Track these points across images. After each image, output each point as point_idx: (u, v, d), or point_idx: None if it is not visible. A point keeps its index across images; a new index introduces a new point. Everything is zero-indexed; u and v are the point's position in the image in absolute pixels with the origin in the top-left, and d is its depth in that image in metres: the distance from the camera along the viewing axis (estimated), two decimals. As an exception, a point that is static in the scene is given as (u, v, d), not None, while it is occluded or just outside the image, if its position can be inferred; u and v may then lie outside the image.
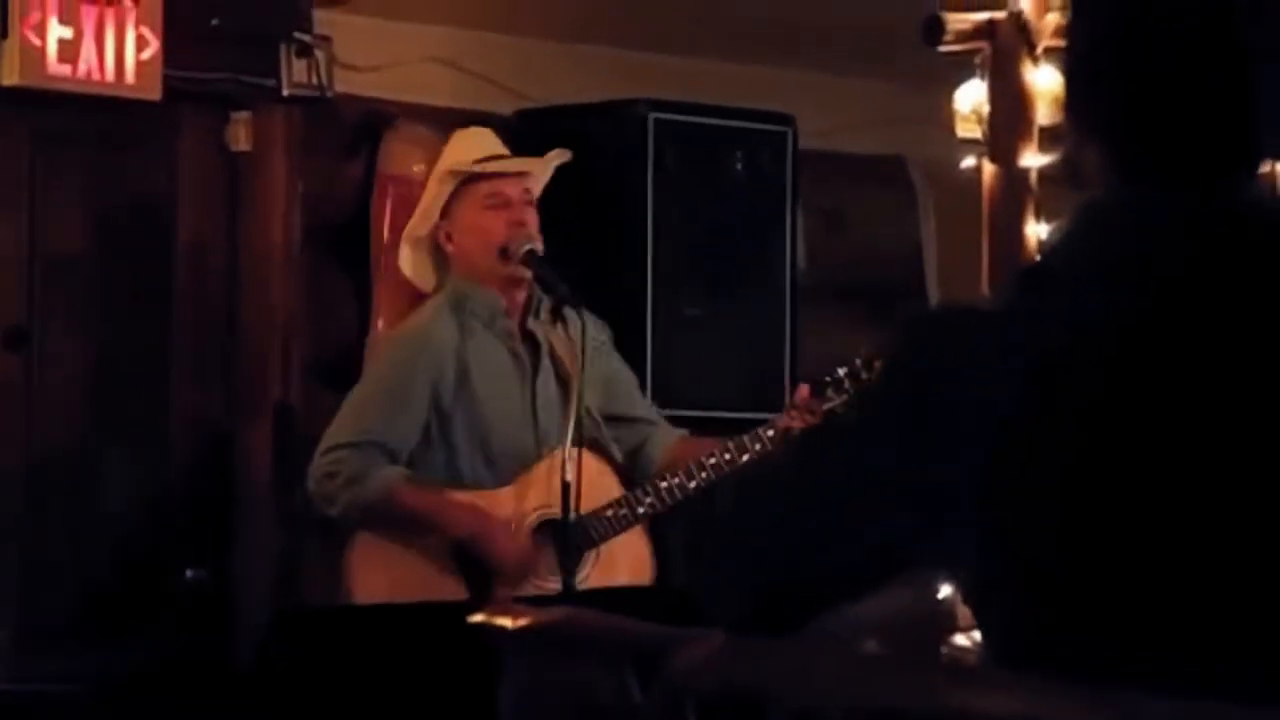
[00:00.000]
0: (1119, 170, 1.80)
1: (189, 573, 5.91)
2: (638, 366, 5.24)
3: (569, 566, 4.58)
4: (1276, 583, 1.69)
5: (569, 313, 4.74)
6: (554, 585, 4.68)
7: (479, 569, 4.71)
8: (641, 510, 4.73)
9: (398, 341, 4.96)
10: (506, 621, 2.00)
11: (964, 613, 3.49)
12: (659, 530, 4.96)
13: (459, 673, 3.61)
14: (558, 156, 4.90)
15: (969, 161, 4.11)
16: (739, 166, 6.19)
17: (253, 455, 6.04)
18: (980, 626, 1.83)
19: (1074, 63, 1.86)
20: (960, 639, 3.56)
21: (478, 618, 2.04)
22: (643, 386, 5.37)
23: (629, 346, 5.17)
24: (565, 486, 4.51)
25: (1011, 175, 4.03)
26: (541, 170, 4.88)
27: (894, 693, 1.65)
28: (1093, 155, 1.82)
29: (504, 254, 4.74)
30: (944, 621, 3.57)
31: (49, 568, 5.75)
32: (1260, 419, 1.70)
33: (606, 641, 1.97)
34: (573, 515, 4.52)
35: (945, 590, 3.54)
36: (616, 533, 4.72)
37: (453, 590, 4.67)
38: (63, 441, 5.83)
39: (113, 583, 5.85)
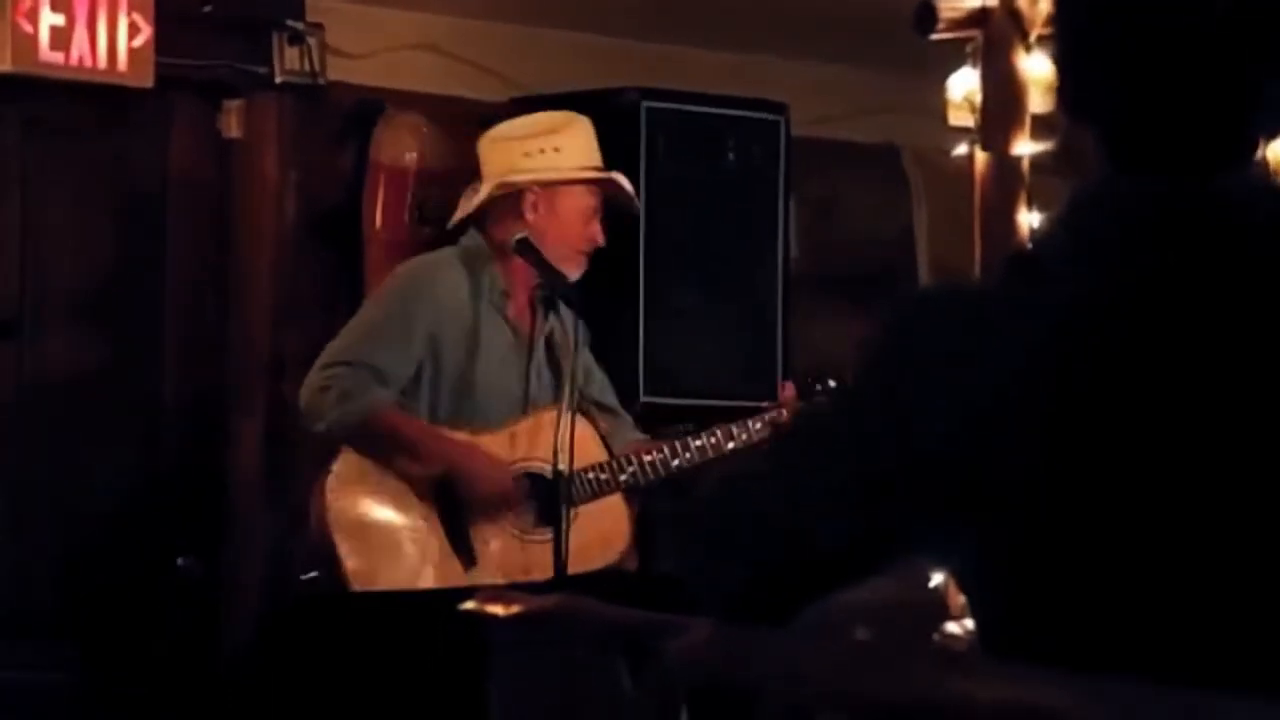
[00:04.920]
0: (1112, 157, 1.79)
1: (181, 561, 5.91)
2: (630, 355, 5.25)
3: (555, 518, 4.64)
4: (1264, 570, 1.69)
5: (562, 306, 4.82)
6: (532, 536, 4.74)
7: (455, 500, 4.74)
8: (623, 478, 4.82)
9: (406, 276, 4.98)
10: (498, 609, 2.00)
11: (956, 600, 3.49)
12: (645, 518, 4.98)
13: (453, 659, 3.62)
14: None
15: (961, 149, 4.10)
16: (731, 155, 6.18)
17: (244, 443, 6.03)
18: (973, 613, 1.82)
19: (1063, 49, 1.85)
20: (952, 626, 3.56)
21: (469, 605, 2.03)
22: (634, 375, 5.36)
23: (621, 335, 5.19)
24: (557, 475, 4.56)
25: (1004, 163, 4.02)
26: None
27: (885, 681, 1.64)
28: (1087, 142, 1.81)
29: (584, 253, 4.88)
30: (935, 609, 3.57)
31: (40, 556, 5.74)
32: (1245, 406, 1.70)
33: (597, 629, 1.97)
34: (563, 469, 4.58)
35: (937, 577, 3.54)
36: (595, 496, 4.78)
37: (425, 516, 4.74)
38: (53, 431, 5.81)
39: (104, 571, 5.84)
